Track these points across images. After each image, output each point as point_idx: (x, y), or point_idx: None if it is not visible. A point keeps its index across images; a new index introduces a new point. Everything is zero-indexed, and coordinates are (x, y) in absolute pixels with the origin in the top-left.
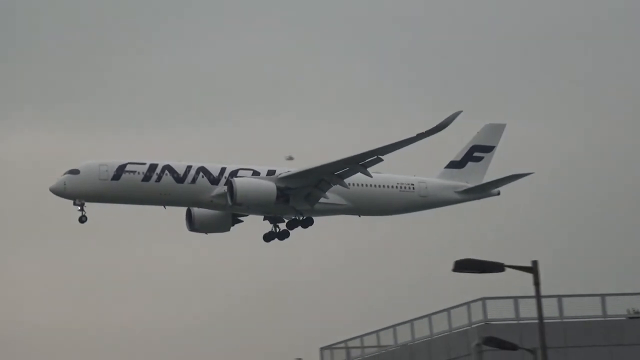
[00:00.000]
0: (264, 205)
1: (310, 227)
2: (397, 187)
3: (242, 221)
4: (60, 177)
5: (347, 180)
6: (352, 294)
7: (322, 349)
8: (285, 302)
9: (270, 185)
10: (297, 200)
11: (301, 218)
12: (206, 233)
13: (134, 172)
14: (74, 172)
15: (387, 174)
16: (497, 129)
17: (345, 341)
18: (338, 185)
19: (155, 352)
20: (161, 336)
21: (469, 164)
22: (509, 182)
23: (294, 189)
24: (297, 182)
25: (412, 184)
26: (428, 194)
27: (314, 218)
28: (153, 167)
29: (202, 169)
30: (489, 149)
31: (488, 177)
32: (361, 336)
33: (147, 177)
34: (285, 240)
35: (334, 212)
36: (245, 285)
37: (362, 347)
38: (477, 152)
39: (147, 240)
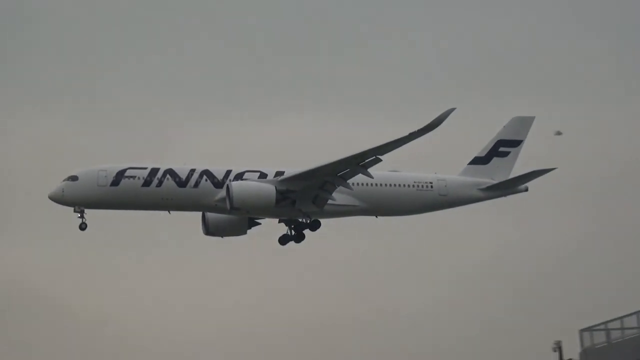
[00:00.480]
0: (263, 209)
1: (319, 230)
2: (414, 186)
3: (259, 224)
4: (59, 183)
5: (361, 181)
6: (602, 276)
7: (581, 330)
8: (535, 285)
9: (269, 189)
10: (304, 202)
11: (308, 221)
12: (222, 237)
13: (133, 177)
14: (73, 178)
15: (405, 172)
16: (525, 122)
17: (605, 322)
18: (348, 185)
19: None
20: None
21: (494, 159)
22: (533, 178)
23: (297, 192)
24: (297, 184)
25: (431, 183)
26: (448, 193)
27: (321, 220)
28: (154, 171)
29: (205, 172)
30: (516, 143)
31: (515, 173)
32: (621, 317)
33: (147, 182)
34: (302, 243)
35: (347, 214)
36: (488, 269)
37: (622, 329)
38: (503, 147)
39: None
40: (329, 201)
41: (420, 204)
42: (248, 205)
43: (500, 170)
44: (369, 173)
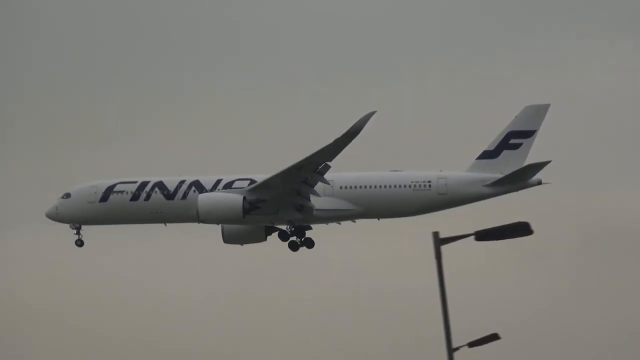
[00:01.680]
0: (233, 220)
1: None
2: (410, 185)
3: (279, 230)
4: (55, 201)
5: (355, 183)
6: None
7: None
8: None
9: (235, 200)
10: (285, 210)
11: (292, 229)
12: (241, 244)
13: (122, 192)
14: (67, 196)
15: (407, 172)
16: (538, 111)
17: None
18: (341, 189)
19: None
20: None
21: (504, 152)
22: (530, 172)
23: (268, 200)
24: (265, 193)
25: (429, 181)
26: (448, 191)
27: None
28: (143, 185)
29: (195, 183)
30: (528, 134)
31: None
32: None
33: (135, 197)
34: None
35: (342, 218)
36: None
37: None
38: (514, 139)
39: None
40: (321, 207)
41: (417, 205)
42: (214, 217)
43: (512, 163)
44: (326, 180)
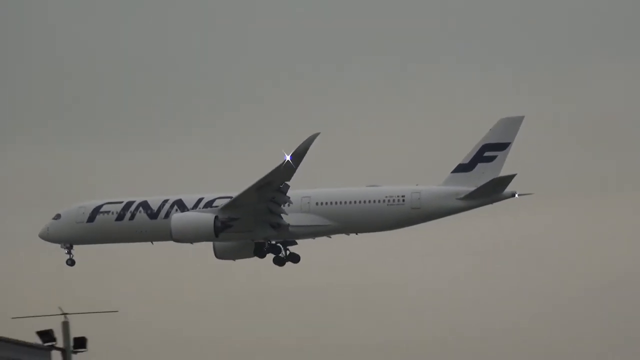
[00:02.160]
0: (206, 239)
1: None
2: (384, 201)
3: (257, 247)
4: (47, 222)
5: (330, 199)
6: None
7: None
8: None
9: (206, 219)
10: (258, 227)
11: (266, 246)
12: (233, 259)
13: (108, 212)
14: (57, 216)
15: (383, 187)
16: (513, 123)
17: None
18: (317, 205)
19: None
20: None
21: (479, 165)
22: (499, 186)
23: (239, 219)
24: (235, 212)
25: (403, 196)
26: (422, 205)
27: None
28: (128, 205)
29: (177, 202)
30: (503, 146)
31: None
32: None
33: (120, 216)
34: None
35: (318, 234)
36: None
37: None
38: (488, 152)
39: None
40: (297, 223)
41: (392, 219)
42: (187, 237)
43: (486, 176)
44: (288, 198)
